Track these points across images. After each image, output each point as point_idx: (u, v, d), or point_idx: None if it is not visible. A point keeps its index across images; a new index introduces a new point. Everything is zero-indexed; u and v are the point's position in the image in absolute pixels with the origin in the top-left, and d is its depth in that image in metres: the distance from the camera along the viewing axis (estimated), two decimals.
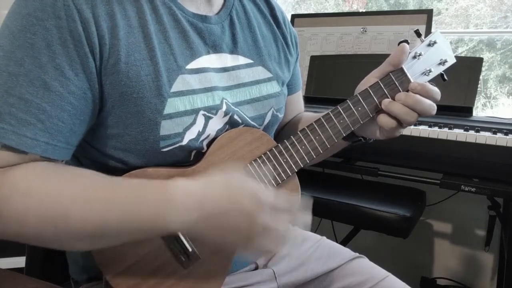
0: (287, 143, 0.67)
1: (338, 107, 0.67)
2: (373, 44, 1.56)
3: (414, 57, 0.67)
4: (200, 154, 0.64)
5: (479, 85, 1.30)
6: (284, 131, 0.88)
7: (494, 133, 1.08)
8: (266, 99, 0.72)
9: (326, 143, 0.67)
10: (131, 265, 0.60)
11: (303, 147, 0.67)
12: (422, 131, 1.14)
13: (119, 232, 0.53)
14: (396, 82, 0.66)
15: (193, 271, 0.62)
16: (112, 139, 0.60)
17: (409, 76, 0.65)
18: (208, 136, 0.63)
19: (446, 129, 1.13)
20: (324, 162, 1.11)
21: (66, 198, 0.50)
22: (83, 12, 0.53)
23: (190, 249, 0.60)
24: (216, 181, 0.54)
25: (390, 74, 0.66)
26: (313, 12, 2.14)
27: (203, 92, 0.62)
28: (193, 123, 0.61)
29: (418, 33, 0.67)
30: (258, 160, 0.66)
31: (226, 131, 0.65)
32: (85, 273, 0.69)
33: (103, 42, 0.54)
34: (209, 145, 0.64)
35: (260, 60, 0.72)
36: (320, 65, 1.53)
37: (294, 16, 1.72)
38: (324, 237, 0.87)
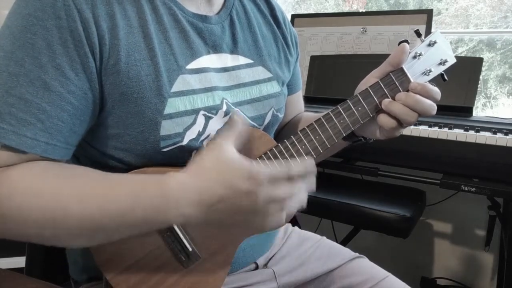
0: (288, 143, 0.67)
1: (338, 107, 0.67)
2: (373, 44, 1.56)
3: (414, 57, 0.67)
4: None
5: (479, 85, 1.30)
6: (284, 131, 0.88)
7: (494, 133, 1.08)
8: (266, 99, 0.72)
9: (326, 143, 0.67)
10: (131, 265, 0.60)
11: (303, 146, 0.67)
12: (422, 131, 1.14)
13: (118, 227, 0.53)
14: (396, 82, 0.66)
15: (193, 270, 0.62)
16: (112, 139, 0.60)
17: (409, 76, 0.65)
18: (208, 136, 0.63)
19: (446, 129, 1.13)
20: (324, 162, 1.11)
21: (65, 195, 0.50)
22: (83, 12, 0.53)
23: (190, 249, 0.60)
24: (208, 167, 0.52)
25: (390, 74, 0.66)
26: (313, 12, 2.14)
27: (203, 92, 0.62)
28: (194, 123, 0.61)
29: (418, 33, 0.67)
30: (259, 159, 0.66)
31: (225, 129, 0.65)
32: (85, 273, 0.70)
33: (103, 42, 0.54)
34: None
35: (260, 60, 0.73)
36: (320, 65, 1.53)
37: (294, 16, 1.72)
38: (324, 237, 0.87)
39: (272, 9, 0.79)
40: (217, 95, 0.64)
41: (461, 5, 1.83)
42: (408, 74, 0.65)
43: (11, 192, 0.50)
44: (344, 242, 1.40)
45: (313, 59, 1.56)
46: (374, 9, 2.03)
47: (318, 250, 0.82)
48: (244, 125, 0.58)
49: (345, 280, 0.77)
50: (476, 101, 1.29)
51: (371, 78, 0.68)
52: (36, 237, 0.53)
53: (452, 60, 0.68)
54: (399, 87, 0.66)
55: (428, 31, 1.44)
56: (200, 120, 0.62)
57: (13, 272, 0.66)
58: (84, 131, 0.57)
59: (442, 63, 0.68)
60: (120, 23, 0.56)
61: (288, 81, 0.81)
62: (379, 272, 0.78)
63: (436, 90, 0.64)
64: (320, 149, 0.67)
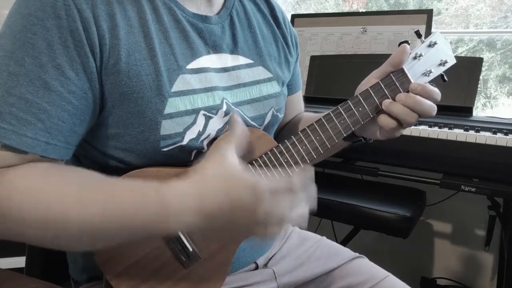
0: (288, 143, 0.67)
1: (339, 107, 0.67)
2: (373, 44, 1.56)
3: (415, 57, 0.67)
4: (200, 154, 0.64)
5: (479, 85, 1.30)
6: (284, 131, 0.88)
7: (494, 133, 1.08)
8: (266, 99, 0.72)
9: (327, 143, 0.67)
10: (131, 265, 0.60)
11: (304, 147, 0.67)
12: (422, 131, 1.14)
13: (118, 234, 0.52)
14: (397, 83, 0.66)
15: (193, 271, 0.62)
16: (113, 139, 0.60)
17: (410, 77, 0.65)
18: (208, 136, 0.63)
19: (446, 129, 1.13)
20: (324, 162, 1.11)
21: (65, 199, 0.50)
22: (83, 12, 0.53)
23: (190, 249, 0.60)
24: (211, 176, 0.52)
25: (391, 74, 0.66)
26: (313, 12, 2.14)
27: (203, 92, 0.62)
28: (194, 123, 0.61)
29: (418, 34, 0.67)
30: (259, 160, 0.66)
31: (226, 131, 0.65)
32: (85, 273, 0.70)
33: (104, 42, 0.54)
34: (209, 145, 0.64)
35: (260, 60, 0.73)
36: (320, 65, 1.53)
37: (294, 16, 1.72)
38: (324, 237, 0.87)
39: (272, 9, 0.79)
40: (217, 95, 0.64)
41: (461, 5, 1.83)
42: (409, 75, 0.65)
43: (10, 192, 0.50)
44: (344, 242, 1.41)
45: (313, 59, 1.56)
46: (374, 9, 2.03)
47: (318, 250, 0.82)
48: (244, 129, 0.58)
49: (345, 280, 0.77)
50: (476, 101, 1.29)
51: (372, 78, 0.68)
52: (36, 240, 0.52)
53: (452, 61, 0.69)
54: (400, 88, 0.66)
55: (428, 31, 1.44)
56: (200, 120, 0.62)
57: (13, 272, 0.66)
58: (84, 131, 0.57)
59: (442, 63, 0.68)
60: (120, 23, 0.56)
61: (288, 81, 0.81)
62: (379, 272, 0.78)
63: (436, 91, 0.64)
64: (320, 149, 0.67)
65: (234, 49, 0.69)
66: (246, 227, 0.53)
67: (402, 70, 0.65)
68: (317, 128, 0.67)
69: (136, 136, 0.59)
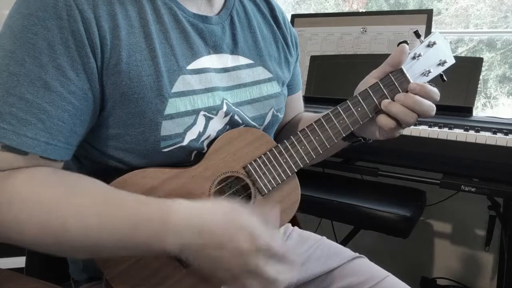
0: (287, 144, 0.67)
1: (338, 107, 0.67)
2: (373, 44, 1.56)
3: (414, 57, 0.67)
4: (200, 154, 0.64)
5: (479, 85, 1.30)
6: (284, 131, 0.88)
7: (494, 133, 1.08)
8: (266, 100, 0.72)
9: (326, 144, 0.67)
10: (131, 265, 0.60)
11: (303, 147, 0.67)
12: (422, 131, 1.14)
13: (117, 248, 0.53)
14: (396, 83, 0.66)
15: (193, 270, 0.62)
16: (113, 139, 0.60)
17: (409, 77, 0.65)
18: (208, 136, 0.64)
19: (446, 129, 1.13)
20: (324, 162, 1.11)
21: (65, 210, 0.50)
22: (84, 13, 0.53)
23: None
24: (219, 210, 0.53)
25: (390, 74, 0.66)
26: (313, 12, 2.14)
27: (203, 93, 0.62)
28: (194, 123, 0.61)
29: (417, 34, 0.67)
30: (258, 160, 0.66)
31: (226, 131, 0.65)
32: (85, 273, 0.70)
33: (105, 43, 0.54)
34: (209, 145, 0.64)
35: (261, 60, 0.73)
36: (320, 65, 1.54)
37: (294, 16, 1.72)
38: (324, 237, 0.87)
39: (272, 9, 0.79)
40: (218, 95, 0.64)
41: (461, 5, 1.83)
42: (408, 75, 0.65)
43: (12, 199, 0.50)
44: (344, 242, 1.40)
45: (313, 59, 1.56)
46: (374, 9, 2.03)
47: (318, 250, 0.82)
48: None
49: (345, 280, 0.77)
50: (476, 101, 1.29)
51: (371, 78, 0.68)
52: (36, 246, 0.53)
53: (451, 61, 0.69)
54: (399, 88, 0.66)
55: (428, 31, 1.44)
56: (201, 120, 0.62)
57: (13, 272, 0.66)
58: (84, 131, 0.58)
59: (441, 63, 0.68)
60: (122, 23, 0.56)
61: (288, 81, 0.81)
62: (379, 272, 0.78)
63: (435, 91, 0.64)
64: (319, 149, 0.67)
65: (234, 50, 0.70)
66: (226, 273, 0.53)
67: (401, 70, 0.66)
68: (316, 128, 0.67)
69: (136, 137, 0.59)
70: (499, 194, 1.10)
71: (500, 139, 1.05)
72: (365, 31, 1.58)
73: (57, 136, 0.53)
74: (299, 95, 0.91)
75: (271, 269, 0.52)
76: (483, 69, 1.35)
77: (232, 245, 0.51)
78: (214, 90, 0.64)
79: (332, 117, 0.67)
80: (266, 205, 0.67)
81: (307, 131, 0.67)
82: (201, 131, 0.62)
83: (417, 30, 0.67)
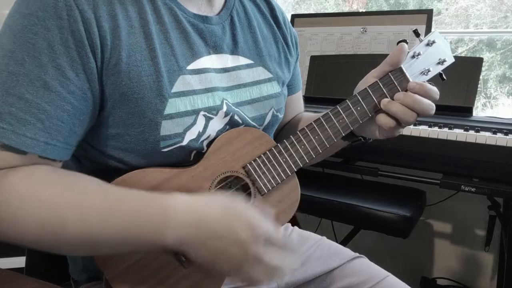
0: (287, 143, 0.67)
1: (337, 107, 0.67)
2: (373, 44, 1.57)
3: (413, 56, 0.67)
4: (200, 154, 0.64)
5: (479, 85, 1.30)
6: (284, 131, 0.88)
7: (494, 133, 1.08)
8: (266, 100, 0.72)
9: (325, 143, 0.67)
10: (131, 265, 0.60)
11: (303, 147, 0.67)
12: (422, 131, 1.14)
13: (117, 244, 0.53)
14: (395, 82, 0.66)
15: (193, 271, 0.62)
16: (112, 139, 0.60)
17: (408, 76, 0.65)
18: (208, 136, 0.64)
19: (446, 129, 1.13)
20: (324, 162, 1.11)
21: (64, 207, 0.50)
22: (84, 13, 0.53)
23: None
24: (217, 203, 0.54)
25: (389, 73, 0.66)
26: (313, 12, 2.14)
27: (203, 93, 0.62)
28: (194, 123, 0.61)
29: (416, 33, 0.67)
30: (258, 160, 0.66)
31: (226, 131, 0.65)
32: (85, 273, 0.70)
33: (105, 43, 0.54)
34: (209, 145, 0.64)
35: (261, 60, 0.73)
36: (320, 65, 1.54)
37: (294, 16, 1.72)
38: (324, 237, 0.87)
39: (272, 9, 0.79)
40: (218, 95, 0.64)
41: (461, 5, 1.83)
42: (407, 74, 0.65)
43: (10, 197, 0.50)
44: (344, 242, 1.40)
45: (313, 59, 1.56)
46: (374, 9, 2.03)
47: (318, 250, 0.82)
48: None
49: (345, 280, 0.77)
50: (476, 101, 1.29)
51: (370, 78, 0.68)
52: (35, 244, 0.52)
53: (450, 60, 0.69)
54: (398, 87, 0.66)
55: (428, 31, 1.44)
56: (200, 120, 0.62)
57: (13, 272, 0.66)
58: (84, 131, 0.58)
59: (441, 62, 0.68)
60: (122, 24, 0.56)
61: (288, 81, 0.81)
62: (379, 272, 0.78)
63: (434, 90, 0.64)
64: (319, 149, 0.67)
65: (235, 50, 0.70)
66: (229, 263, 0.53)
67: (401, 69, 0.66)
68: (316, 127, 0.67)
69: (136, 137, 0.59)
70: (499, 194, 1.10)
71: (500, 139, 1.05)
72: (365, 31, 1.58)
73: (56, 136, 0.53)
74: (299, 95, 0.91)
75: (273, 256, 0.53)
76: (483, 69, 1.35)
77: (231, 236, 0.51)
78: (214, 90, 0.64)
79: (332, 116, 0.67)
80: (265, 204, 0.67)
81: (307, 130, 0.67)
82: (200, 131, 0.62)
83: (416, 29, 0.67)
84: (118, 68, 0.55)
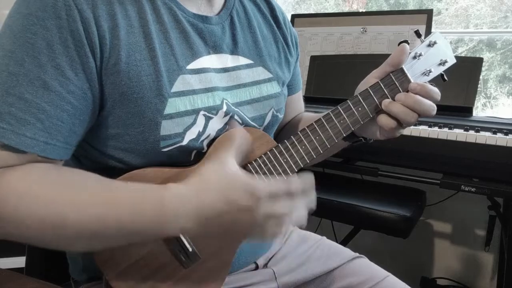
0: (288, 143, 0.67)
1: (339, 107, 0.67)
2: (373, 44, 1.56)
3: (414, 57, 0.67)
4: (200, 154, 0.64)
5: (479, 85, 1.30)
6: (284, 131, 0.88)
7: (494, 133, 1.08)
8: (266, 100, 0.72)
9: (326, 143, 0.67)
10: (131, 265, 0.60)
11: (303, 147, 0.67)
12: (422, 131, 1.14)
13: (116, 237, 0.53)
14: (396, 83, 0.66)
15: (193, 271, 0.62)
16: (112, 139, 0.60)
17: (409, 77, 0.65)
18: (208, 136, 0.63)
19: (446, 129, 1.13)
20: (324, 162, 1.11)
21: (64, 202, 0.50)
22: (83, 12, 0.53)
23: (190, 249, 0.60)
24: (209, 182, 0.53)
25: (390, 74, 0.66)
26: (313, 12, 2.14)
27: (203, 92, 0.62)
28: (194, 123, 0.61)
29: (418, 34, 0.67)
30: (259, 160, 0.66)
31: (226, 131, 0.65)
32: (85, 273, 0.70)
33: (104, 42, 0.54)
34: (209, 145, 0.64)
35: (261, 60, 0.73)
36: (320, 65, 1.54)
37: (294, 16, 1.72)
38: (324, 237, 0.87)
39: (272, 9, 0.79)
40: (217, 95, 0.64)
41: (461, 5, 1.83)
42: (408, 75, 0.65)
43: (9, 194, 0.50)
44: (344, 242, 1.40)
45: (313, 59, 1.56)
46: (374, 9, 2.03)
47: (318, 250, 0.82)
48: (244, 133, 0.58)
49: (345, 280, 0.77)
50: (476, 101, 1.29)
51: (371, 78, 0.68)
52: (35, 240, 0.53)
53: (452, 61, 0.68)
54: (399, 88, 0.66)
55: (428, 31, 1.44)
56: (200, 120, 0.62)
57: (13, 272, 0.66)
58: (83, 131, 0.57)
59: (442, 63, 0.68)
60: (121, 23, 0.56)
61: (288, 81, 0.81)
62: (379, 272, 0.78)
63: (435, 91, 0.64)
64: (320, 149, 0.67)
65: (234, 50, 0.69)
66: (245, 230, 0.54)
67: (402, 70, 0.65)
68: (317, 128, 0.67)
69: (136, 136, 0.59)
70: (499, 194, 1.10)
71: (500, 139, 1.05)
72: (365, 31, 1.58)
73: (56, 136, 0.53)
74: (299, 95, 0.91)
75: (280, 207, 0.53)
76: (483, 69, 1.35)
77: (232, 207, 0.51)
78: (214, 90, 0.64)
79: (333, 116, 0.67)
80: None
81: (308, 130, 0.67)
82: (200, 130, 0.62)
83: (417, 30, 0.67)
84: (117, 67, 0.55)
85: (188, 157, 0.63)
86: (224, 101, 0.65)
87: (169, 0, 0.62)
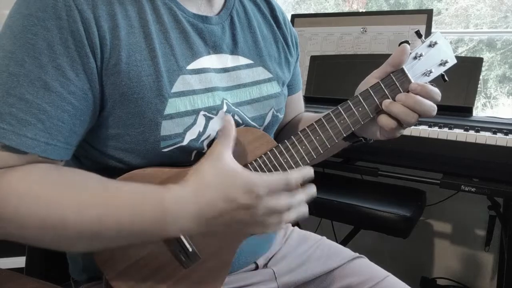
0: (288, 143, 0.67)
1: (339, 107, 0.67)
2: (373, 44, 1.56)
3: (415, 57, 0.66)
4: (200, 155, 0.64)
5: (479, 85, 1.30)
6: (284, 132, 0.88)
7: (494, 133, 1.08)
8: (266, 100, 0.72)
9: (327, 143, 0.67)
10: (131, 265, 0.60)
11: (304, 147, 0.67)
12: (422, 131, 1.14)
13: (117, 238, 0.53)
14: (397, 83, 0.66)
15: (193, 271, 0.62)
16: (113, 139, 0.60)
17: (410, 77, 0.65)
18: (208, 136, 0.63)
19: (446, 129, 1.13)
20: (324, 162, 1.11)
21: (64, 203, 0.50)
22: (84, 13, 0.53)
23: (190, 249, 0.60)
24: (207, 181, 0.54)
25: (391, 74, 0.66)
26: (313, 12, 2.14)
27: (203, 93, 0.62)
28: (194, 123, 0.61)
29: (418, 34, 0.67)
30: (259, 160, 0.66)
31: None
32: (85, 273, 0.70)
33: (104, 43, 0.54)
34: (209, 145, 0.64)
35: (261, 60, 0.73)
36: (320, 65, 1.53)
37: (294, 16, 1.72)
38: (324, 237, 0.87)
39: (272, 9, 0.79)
40: (218, 95, 0.64)
41: (461, 5, 1.83)
42: (409, 75, 0.65)
43: (10, 194, 0.50)
44: (344, 242, 1.40)
45: (313, 59, 1.56)
46: (374, 9, 2.03)
47: (318, 250, 0.82)
48: (233, 128, 0.59)
49: (345, 280, 0.77)
50: (476, 101, 1.29)
51: (372, 78, 0.68)
52: (36, 241, 0.53)
53: (452, 61, 0.68)
54: (400, 88, 0.66)
55: (428, 31, 1.44)
56: (201, 120, 0.62)
57: (13, 272, 0.66)
58: (84, 132, 0.57)
59: (443, 63, 0.68)
60: (121, 23, 0.56)
61: (288, 81, 0.81)
62: (379, 272, 0.78)
63: (436, 91, 0.64)
64: (320, 149, 0.67)
65: (234, 50, 0.69)
66: (246, 227, 0.55)
67: (402, 70, 0.65)
68: (317, 128, 0.67)
69: (136, 137, 0.59)
70: (499, 194, 1.10)
71: (500, 139, 1.05)
72: (365, 31, 1.58)
73: (57, 136, 0.53)
74: (299, 95, 0.91)
75: (280, 202, 0.53)
76: (483, 69, 1.35)
77: (232, 205, 0.52)
78: (214, 90, 0.64)
79: (333, 117, 0.67)
80: None
81: (308, 131, 0.67)
82: (201, 131, 0.62)
83: (418, 30, 0.67)
84: (117, 68, 0.55)
85: (189, 157, 0.63)
86: (224, 101, 0.65)
87: (169, 0, 0.62)
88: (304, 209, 0.56)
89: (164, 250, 0.61)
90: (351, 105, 0.66)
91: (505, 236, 1.33)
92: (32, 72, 0.51)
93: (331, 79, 1.50)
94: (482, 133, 1.09)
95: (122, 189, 0.54)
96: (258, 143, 0.67)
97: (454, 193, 1.54)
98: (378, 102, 0.66)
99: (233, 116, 0.66)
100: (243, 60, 0.70)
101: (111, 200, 0.52)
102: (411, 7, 1.95)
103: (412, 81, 0.65)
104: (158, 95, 0.58)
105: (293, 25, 1.55)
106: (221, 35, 0.67)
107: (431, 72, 0.67)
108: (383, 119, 0.65)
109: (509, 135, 1.07)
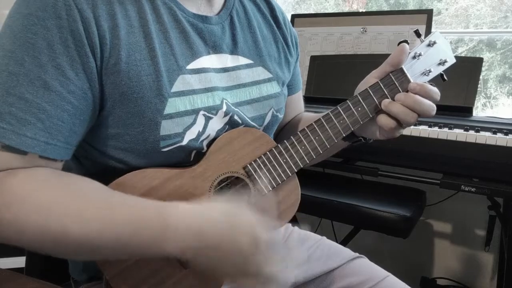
0: (287, 144, 0.67)
1: (338, 107, 0.67)
2: (373, 44, 1.56)
3: (414, 57, 0.67)
4: (200, 154, 0.64)
5: (479, 85, 1.30)
6: (284, 132, 0.88)
7: (494, 133, 1.08)
8: (266, 100, 0.72)
9: (326, 144, 0.67)
10: (131, 265, 0.60)
11: (303, 147, 0.67)
12: (422, 131, 1.14)
13: (116, 251, 0.53)
14: (396, 83, 0.66)
15: (193, 271, 0.62)
16: (112, 139, 0.60)
17: (409, 77, 0.65)
18: (208, 136, 0.63)
19: (446, 129, 1.13)
20: (324, 162, 1.11)
21: (64, 213, 0.50)
22: (84, 12, 0.53)
23: None
24: (218, 211, 0.54)
25: (390, 74, 0.66)
26: (313, 12, 2.14)
27: (203, 92, 0.62)
28: (193, 123, 0.61)
29: (418, 33, 0.67)
30: (258, 160, 0.66)
31: (226, 131, 0.65)
32: (85, 273, 0.70)
33: (104, 42, 0.54)
34: (209, 145, 0.64)
35: (260, 60, 0.73)
36: (320, 65, 1.54)
37: (294, 16, 1.72)
38: (324, 237, 0.87)
39: (272, 9, 0.79)
40: (217, 95, 0.64)
41: (461, 5, 1.83)
42: (408, 75, 0.65)
43: (11, 200, 0.49)
44: (344, 242, 1.40)
45: (313, 59, 1.56)
46: (374, 9, 2.03)
47: (318, 250, 0.82)
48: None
49: (345, 280, 0.77)
50: (476, 101, 1.29)
51: (371, 78, 0.68)
52: (36, 248, 0.52)
53: (451, 61, 0.68)
54: (399, 88, 0.66)
55: (428, 31, 1.44)
56: (200, 120, 0.62)
57: (13, 272, 0.66)
58: (84, 131, 0.57)
59: (442, 63, 0.68)
60: (121, 23, 0.56)
61: (288, 81, 0.81)
62: (379, 272, 0.78)
63: (435, 90, 0.64)
64: (319, 149, 0.67)
65: (234, 50, 0.69)
66: (233, 271, 0.54)
67: (401, 70, 0.65)
68: (316, 128, 0.67)
69: (136, 136, 0.59)
70: (499, 194, 1.10)
71: (500, 139, 1.05)
72: (365, 31, 1.58)
73: (57, 136, 0.53)
74: (299, 95, 0.91)
75: (270, 268, 0.53)
76: (483, 69, 1.35)
77: (234, 247, 0.52)
78: (213, 90, 0.64)
79: (332, 117, 0.67)
80: (266, 203, 0.67)
81: (307, 131, 0.67)
82: (200, 130, 0.62)
83: (417, 30, 0.67)
84: (117, 67, 0.55)
85: (188, 157, 0.63)
86: (224, 101, 0.65)
87: (169, 0, 0.62)
88: (289, 276, 0.55)
89: None
90: (350, 105, 0.66)
91: (505, 236, 1.33)
92: (31, 72, 0.51)
93: (331, 79, 1.50)
94: (482, 133, 1.09)
95: (124, 202, 0.54)
96: (257, 144, 0.67)
97: (454, 193, 1.53)
98: (377, 102, 0.66)
99: (232, 116, 0.66)
100: (243, 60, 0.70)
101: (112, 214, 0.51)
102: (411, 7, 1.95)
103: (411, 80, 0.65)
104: (157, 94, 0.58)
105: (293, 25, 1.55)
106: (221, 35, 0.67)
107: (430, 71, 0.67)
108: (383, 119, 0.65)
109: (509, 135, 1.07)
